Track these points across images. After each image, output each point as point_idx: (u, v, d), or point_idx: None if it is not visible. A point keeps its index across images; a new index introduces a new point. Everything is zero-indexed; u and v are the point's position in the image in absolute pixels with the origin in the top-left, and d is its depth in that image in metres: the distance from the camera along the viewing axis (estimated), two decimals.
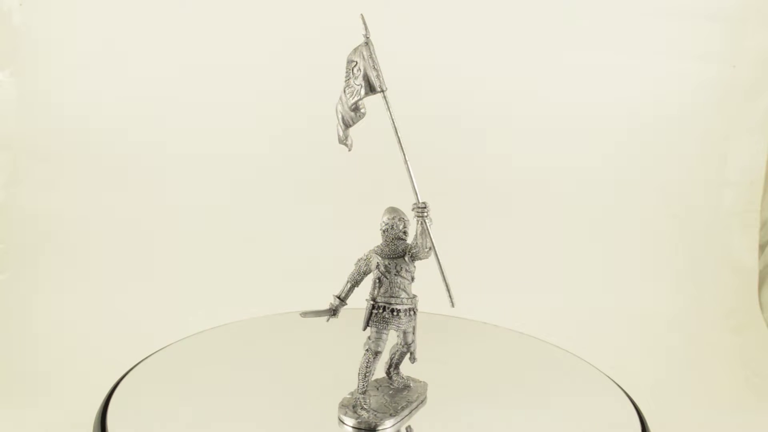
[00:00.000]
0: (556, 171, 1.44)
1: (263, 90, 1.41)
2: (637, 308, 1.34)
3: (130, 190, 1.38)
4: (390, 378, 0.83)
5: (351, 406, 0.76)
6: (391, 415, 0.76)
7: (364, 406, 0.76)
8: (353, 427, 0.75)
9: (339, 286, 0.78)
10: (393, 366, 0.83)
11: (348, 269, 0.78)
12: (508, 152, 1.44)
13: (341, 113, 0.75)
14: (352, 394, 0.78)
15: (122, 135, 1.38)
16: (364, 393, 0.77)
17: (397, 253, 0.75)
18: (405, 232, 0.76)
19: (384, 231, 0.75)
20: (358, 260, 0.77)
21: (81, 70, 1.37)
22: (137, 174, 1.39)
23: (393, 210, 0.76)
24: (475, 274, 1.36)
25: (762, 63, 1.41)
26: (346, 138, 0.76)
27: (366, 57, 0.73)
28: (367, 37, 0.73)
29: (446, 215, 1.43)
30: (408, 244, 0.75)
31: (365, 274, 0.77)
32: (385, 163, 0.90)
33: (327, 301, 0.78)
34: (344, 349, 0.85)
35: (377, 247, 0.76)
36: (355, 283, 0.77)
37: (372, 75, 0.73)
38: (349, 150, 0.76)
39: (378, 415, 0.75)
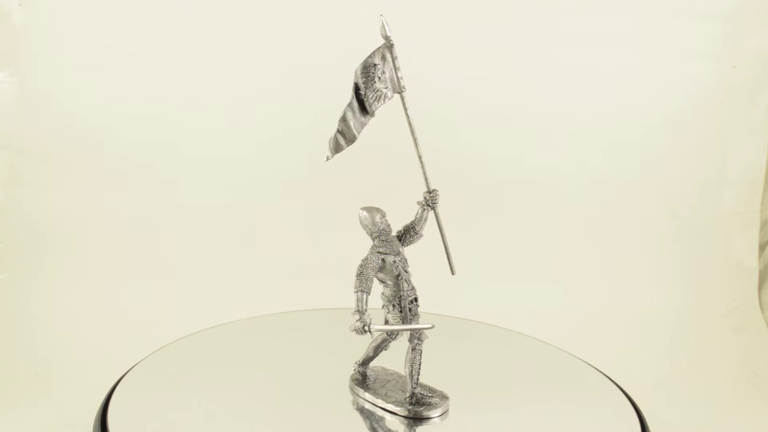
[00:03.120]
0: (556, 170, 1.44)
1: (262, 89, 1.41)
2: (637, 308, 1.34)
3: (129, 190, 1.38)
4: (365, 373, 0.83)
5: (415, 402, 0.77)
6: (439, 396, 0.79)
7: (433, 395, 0.79)
8: (436, 417, 0.78)
9: (349, 299, 0.75)
10: (370, 360, 0.83)
11: (345, 268, 0.77)
12: (508, 152, 1.44)
13: (351, 120, 0.75)
14: (386, 395, 0.79)
15: (122, 135, 1.38)
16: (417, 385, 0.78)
17: (397, 247, 0.76)
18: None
19: (383, 231, 0.76)
20: (361, 268, 0.74)
21: (81, 70, 1.37)
22: (137, 174, 1.39)
23: (376, 209, 0.76)
24: (474, 273, 1.36)
25: (762, 63, 1.41)
26: (340, 149, 0.76)
27: (389, 59, 0.74)
28: (390, 39, 0.74)
29: (446, 215, 1.44)
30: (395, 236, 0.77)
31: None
32: (375, 163, 0.91)
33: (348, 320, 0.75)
34: (342, 347, 0.85)
35: (379, 248, 0.75)
36: (369, 291, 0.74)
37: (395, 77, 0.75)
38: (327, 160, 0.76)
39: (440, 397, 0.79)
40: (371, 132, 0.77)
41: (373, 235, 0.76)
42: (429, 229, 0.79)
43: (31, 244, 1.32)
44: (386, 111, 0.77)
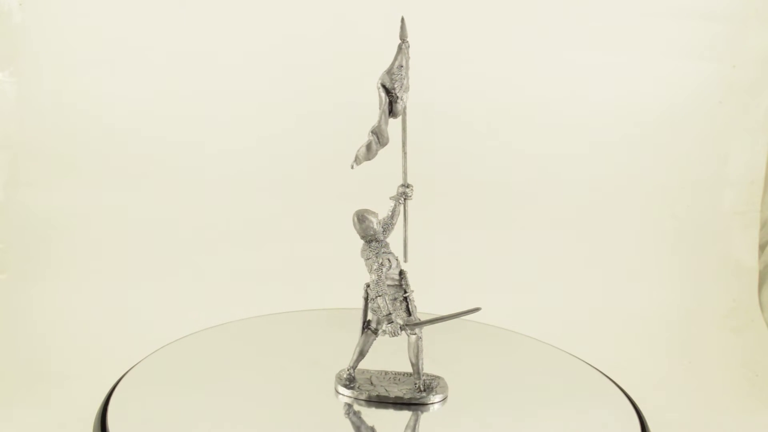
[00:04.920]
0: (556, 170, 1.44)
1: (266, 87, 1.41)
2: (636, 308, 1.34)
3: (129, 190, 1.38)
4: (354, 374, 0.83)
5: (425, 388, 0.80)
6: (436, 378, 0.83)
7: (433, 378, 0.82)
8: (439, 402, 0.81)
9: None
10: (360, 361, 0.83)
11: (348, 269, 0.78)
12: (508, 152, 1.44)
13: (383, 123, 0.77)
14: (387, 389, 0.81)
15: (122, 134, 1.38)
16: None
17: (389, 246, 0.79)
18: None
19: (378, 232, 0.78)
20: (377, 273, 0.77)
21: (81, 70, 1.37)
22: (137, 173, 1.39)
23: (371, 212, 0.78)
24: (474, 274, 1.36)
25: (762, 63, 1.41)
26: (372, 154, 0.78)
27: (407, 60, 0.77)
28: (407, 41, 0.76)
29: (446, 215, 1.44)
30: None
31: None
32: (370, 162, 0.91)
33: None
34: (341, 347, 0.85)
35: (383, 249, 0.78)
36: (388, 293, 0.78)
37: (407, 76, 0.78)
38: (353, 168, 0.79)
39: (437, 378, 0.83)
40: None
41: (373, 237, 0.77)
42: (424, 229, 0.80)
43: (31, 244, 1.32)
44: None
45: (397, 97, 0.76)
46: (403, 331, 0.78)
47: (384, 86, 0.76)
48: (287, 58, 1.40)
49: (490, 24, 1.42)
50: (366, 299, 0.80)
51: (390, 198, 0.80)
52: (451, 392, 0.83)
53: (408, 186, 0.80)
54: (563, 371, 0.93)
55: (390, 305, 0.78)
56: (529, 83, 1.44)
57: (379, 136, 0.77)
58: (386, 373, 0.84)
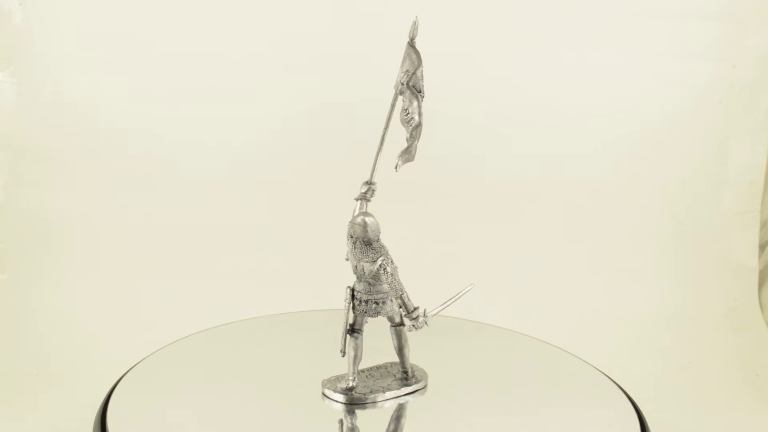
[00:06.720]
0: (555, 170, 1.44)
1: (266, 83, 1.41)
2: (636, 308, 1.34)
3: (130, 189, 1.38)
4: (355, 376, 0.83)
5: (412, 376, 0.83)
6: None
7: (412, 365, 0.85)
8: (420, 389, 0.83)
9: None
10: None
11: (346, 269, 0.78)
12: (507, 151, 1.44)
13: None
14: (382, 386, 0.81)
15: (123, 134, 1.38)
16: None
17: None
18: None
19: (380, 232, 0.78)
20: (391, 275, 0.78)
21: (81, 69, 1.37)
22: (138, 173, 1.39)
23: (369, 213, 0.78)
24: (473, 274, 1.36)
25: (762, 63, 1.41)
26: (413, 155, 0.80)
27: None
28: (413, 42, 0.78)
29: (446, 214, 1.44)
30: None
31: None
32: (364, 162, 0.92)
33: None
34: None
35: (384, 248, 0.78)
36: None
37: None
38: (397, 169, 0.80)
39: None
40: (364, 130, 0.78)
41: (376, 238, 0.77)
42: (431, 232, 0.80)
43: (31, 244, 1.32)
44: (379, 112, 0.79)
45: (423, 96, 0.79)
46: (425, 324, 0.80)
47: (414, 87, 0.78)
48: (286, 57, 1.40)
49: (491, 23, 1.42)
50: (350, 302, 0.79)
51: (355, 199, 0.79)
52: (450, 391, 0.83)
53: (373, 183, 0.79)
54: (563, 371, 0.93)
55: (408, 301, 0.79)
56: (528, 83, 1.44)
57: (418, 136, 0.79)
58: (360, 372, 0.83)
